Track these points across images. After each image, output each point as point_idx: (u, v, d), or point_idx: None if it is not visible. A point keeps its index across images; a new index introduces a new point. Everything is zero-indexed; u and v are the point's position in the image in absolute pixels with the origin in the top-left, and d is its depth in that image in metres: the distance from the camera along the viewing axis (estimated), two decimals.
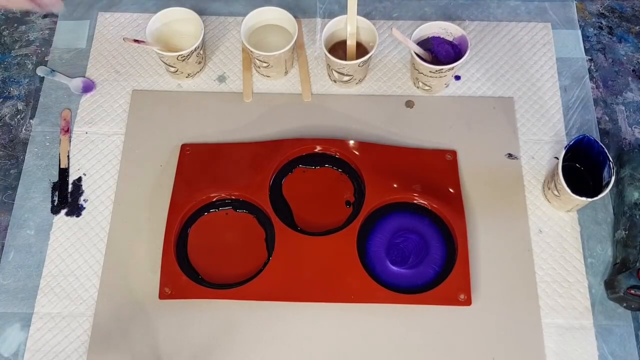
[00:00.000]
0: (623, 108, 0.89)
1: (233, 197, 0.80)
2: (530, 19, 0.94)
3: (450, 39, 0.84)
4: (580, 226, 0.80)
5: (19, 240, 0.80)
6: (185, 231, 0.79)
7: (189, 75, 0.88)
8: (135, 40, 0.83)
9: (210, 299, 0.74)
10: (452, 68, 0.81)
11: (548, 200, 0.80)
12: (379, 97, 0.88)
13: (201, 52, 0.86)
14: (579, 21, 0.94)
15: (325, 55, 0.82)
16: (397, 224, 0.79)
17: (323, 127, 0.85)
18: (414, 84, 0.88)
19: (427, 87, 0.86)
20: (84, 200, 0.82)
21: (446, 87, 0.87)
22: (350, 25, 0.82)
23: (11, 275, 0.78)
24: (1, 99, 0.90)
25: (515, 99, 0.88)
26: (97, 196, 0.82)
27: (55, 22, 0.95)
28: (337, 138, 0.83)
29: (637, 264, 0.73)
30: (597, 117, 0.87)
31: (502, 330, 0.74)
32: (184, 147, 0.83)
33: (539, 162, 0.83)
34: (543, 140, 0.85)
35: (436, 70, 0.81)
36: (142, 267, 0.77)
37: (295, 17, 0.85)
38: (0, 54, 0.94)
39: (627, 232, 0.76)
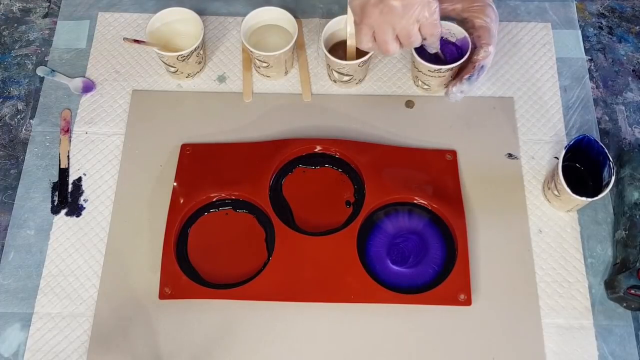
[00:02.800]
0: (623, 108, 0.89)
1: (233, 197, 0.80)
2: (530, 19, 0.94)
3: (453, 39, 0.84)
4: (580, 226, 0.80)
5: (19, 240, 0.80)
6: (185, 231, 0.79)
7: (189, 75, 0.88)
8: (135, 41, 0.83)
9: (210, 299, 0.74)
10: (451, 69, 0.81)
11: (548, 200, 0.80)
12: (379, 97, 0.88)
13: (201, 52, 0.86)
14: (579, 21, 0.94)
15: (325, 55, 0.82)
16: (397, 224, 0.79)
17: (323, 127, 0.85)
18: (414, 82, 0.88)
19: (425, 87, 0.86)
20: (84, 200, 0.82)
21: (445, 87, 0.87)
22: (350, 25, 0.82)
23: (11, 275, 0.78)
24: (1, 99, 0.90)
25: (515, 99, 0.88)
26: (97, 196, 0.82)
27: (55, 22, 0.95)
28: (337, 138, 0.84)
29: (637, 264, 0.73)
30: (597, 117, 0.87)
31: (502, 330, 0.74)
32: (184, 147, 0.84)
33: (539, 162, 0.83)
34: (543, 140, 0.85)
35: (435, 70, 0.81)
36: (142, 267, 0.77)
37: (295, 17, 0.85)
38: (0, 54, 0.94)
39: (627, 232, 0.76)
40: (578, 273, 0.77)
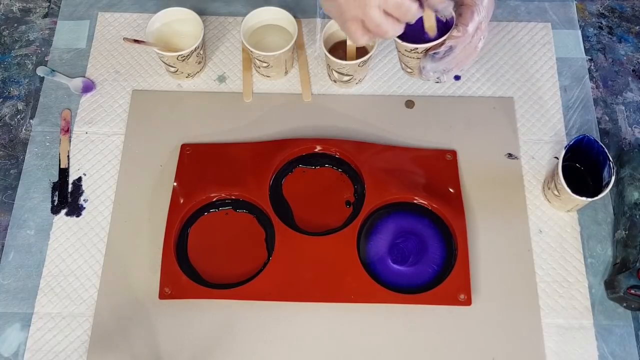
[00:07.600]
0: (623, 108, 0.89)
1: (233, 197, 0.80)
2: (530, 19, 0.94)
3: (443, 19, 0.75)
4: (580, 226, 0.80)
5: (19, 240, 0.80)
6: (185, 231, 0.79)
7: (189, 75, 0.88)
8: (135, 41, 0.83)
9: (210, 299, 0.74)
10: (428, 49, 0.74)
11: (548, 200, 0.80)
12: (379, 97, 0.88)
13: (201, 52, 0.86)
14: (579, 21, 0.94)
15: (325, 55, 0.82)
16: (397, 224, 0.79)
17: (323, 127, 0.85)
18: (401, 66, 0.84)
19: (409, 70, 0.82)
20: (84, 200, 0.82)
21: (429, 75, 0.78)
22: None
23: (11, 275, 0.78)
24: (1, 99, 0.90)
25: (515, 99, 0.88)
26: (97, 196, 0.82)
27: (55, 22, 0.95)
28: (337, 138, 0.84)
29: (637, 264, 0.73)
30: (597, 117, 0.87)
31: (502, 330, 0.74)
32: (184, 147, 0.84)
33: (539, 162, 0.83)
34: (543, 140, 0.85)
35: (411, 50, 0.75)
36: (142, 267, 0.77)
37: (295, 17, 0.85)
38: (0, 54, 0.94)
39: (627, 232, 0.76)
40: (578, 273, 0.77)
